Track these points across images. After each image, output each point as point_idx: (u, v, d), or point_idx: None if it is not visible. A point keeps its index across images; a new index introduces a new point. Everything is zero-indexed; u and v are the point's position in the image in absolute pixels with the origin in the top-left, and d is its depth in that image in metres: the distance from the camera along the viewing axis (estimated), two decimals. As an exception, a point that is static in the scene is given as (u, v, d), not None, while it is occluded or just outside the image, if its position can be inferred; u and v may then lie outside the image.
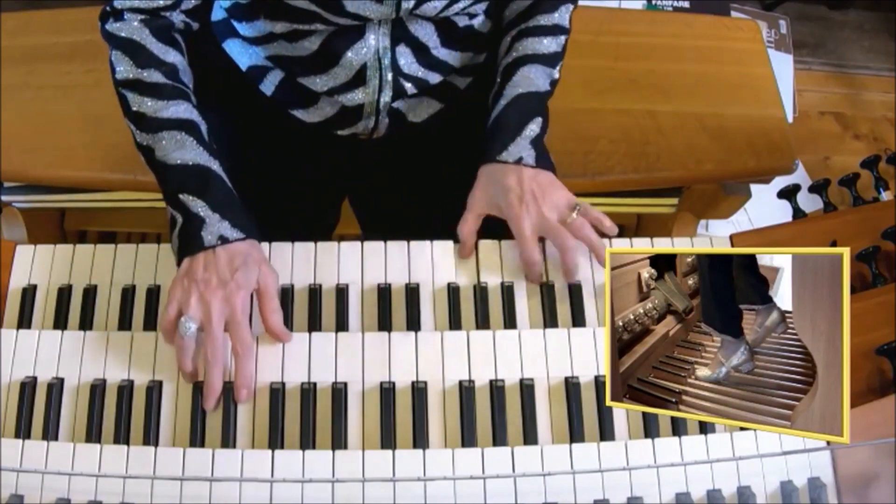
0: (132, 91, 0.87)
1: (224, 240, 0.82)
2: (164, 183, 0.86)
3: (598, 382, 0.82)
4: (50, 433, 0.78)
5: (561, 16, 0.99)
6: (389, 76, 0.96)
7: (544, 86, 0.96)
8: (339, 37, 0.92)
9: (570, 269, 0.89)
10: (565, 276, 0.90)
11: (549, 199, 0.90)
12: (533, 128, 0.93)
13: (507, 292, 0.89)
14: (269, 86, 1.02)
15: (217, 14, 1.04)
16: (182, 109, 0.87)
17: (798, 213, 1.00)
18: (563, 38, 1.00)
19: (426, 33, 0.96)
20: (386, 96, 0.99)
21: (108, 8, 0.88)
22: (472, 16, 0.99)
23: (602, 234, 0.91)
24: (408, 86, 0.99)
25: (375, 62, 0.95)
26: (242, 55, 1.03)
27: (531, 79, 0.95)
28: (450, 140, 0.92)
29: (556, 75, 0.99)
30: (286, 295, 0.87)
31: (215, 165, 0.86)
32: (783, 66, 2.06)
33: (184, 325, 0.79)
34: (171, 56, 0.89)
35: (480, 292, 0.89)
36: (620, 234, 0.93)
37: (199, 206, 0.83)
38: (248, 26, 0.98)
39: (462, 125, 1.06)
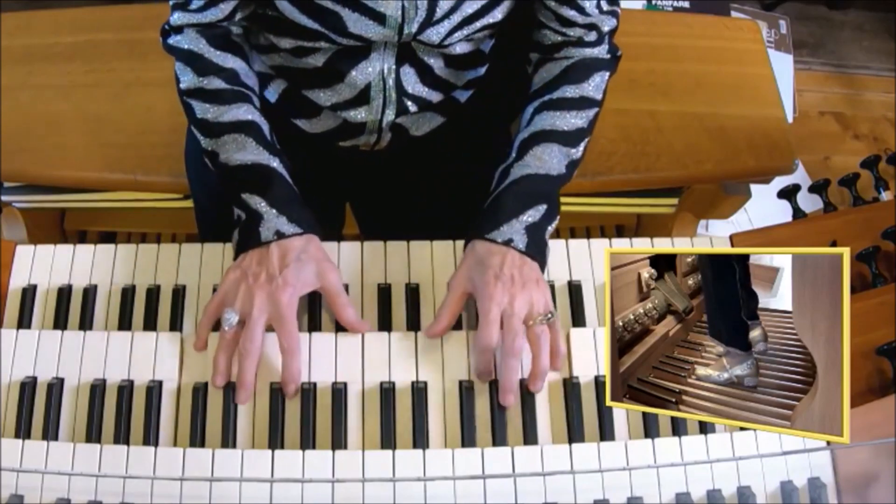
0: (195, 99, 0.90)
1: (280, 234, 0.83)
2: (228, 183, 0.87)
3: (598, 382, 0.82)
4: (50, 433, 0.78)
5: (593, 86, 0.94)
6: (394, 95, 0.96)
7: (558, 168, 0.90)
8: (345, 56, 0.92)
9: (508, 384, 0.80)
10: (502, 395, 0.80)
11: (526, 293, 0.82)
12: (533, 214, 0.86)
13: (507, 292, 0.89)
14: (272, 94, 1.02)
15: None
16: (242, 112, 0.89)
17: (798, 213, 1.00)
18: (591, 111, 0.94)
19: (430, 55, 0.95)
20: (389, 115, 0.98)
21: (166, 26, 0.91)
22: (476, 41, 0.96)
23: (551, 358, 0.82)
24: (411, 105, 0.98)
25: (380, 82, 0.94)
26: None
27: (544, 160, 0.89)
28: (451, 151, 0.91)
29: (577, 155, 0.92)
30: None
31: (276, 163, 0.88)
32: (783, 66, 2.06)
33: (225, 317, 0.80)
34: (231, 61, 0.91)
35: (480, 292, 0.89)
36: (620, 234, 0.92)
37: (258, 202, 0.84)
38: (254, 35, 0.98)
39: (464, 137, 1.06)
